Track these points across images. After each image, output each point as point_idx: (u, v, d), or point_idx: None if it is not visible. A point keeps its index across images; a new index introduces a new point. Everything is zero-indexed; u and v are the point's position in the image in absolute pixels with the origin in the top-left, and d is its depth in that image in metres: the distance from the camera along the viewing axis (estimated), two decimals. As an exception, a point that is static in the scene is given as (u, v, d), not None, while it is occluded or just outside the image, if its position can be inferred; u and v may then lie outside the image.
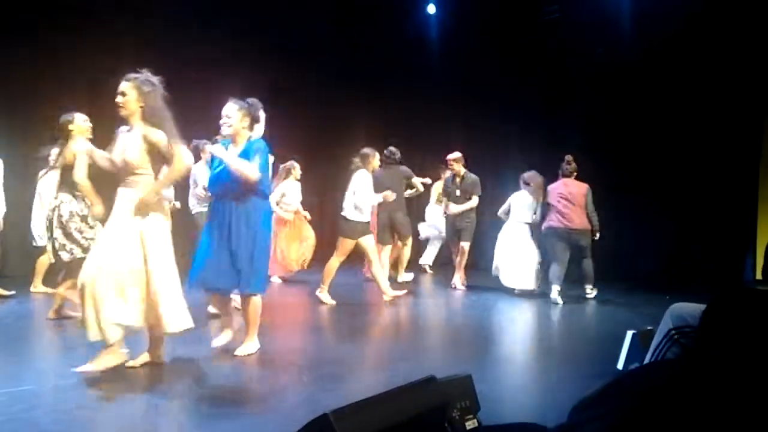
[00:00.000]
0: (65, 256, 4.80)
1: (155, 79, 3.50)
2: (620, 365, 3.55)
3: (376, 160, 6.41)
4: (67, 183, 4.86)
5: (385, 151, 7.05)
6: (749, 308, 2.53)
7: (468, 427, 1.65)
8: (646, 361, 3.12)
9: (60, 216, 4.82)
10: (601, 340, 4.72)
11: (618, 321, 5.35)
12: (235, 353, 3.99)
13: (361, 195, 6.03)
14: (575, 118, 8.45)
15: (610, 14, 7.81)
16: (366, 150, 6.36)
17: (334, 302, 6.06)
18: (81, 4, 7.59)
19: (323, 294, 6.13)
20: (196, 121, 6.43)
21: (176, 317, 3.46)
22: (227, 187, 3.89)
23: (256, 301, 4.07)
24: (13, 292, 5.97)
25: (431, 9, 9.45)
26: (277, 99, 9.18)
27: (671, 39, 7.48)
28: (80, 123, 4.92)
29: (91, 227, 4.90)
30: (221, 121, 3.99)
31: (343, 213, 6.11)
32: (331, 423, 1.30)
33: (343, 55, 10.03)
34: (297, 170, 7.48)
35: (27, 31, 7.14)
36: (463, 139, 8.52)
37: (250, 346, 4.10)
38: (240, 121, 3.95)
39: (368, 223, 6.26)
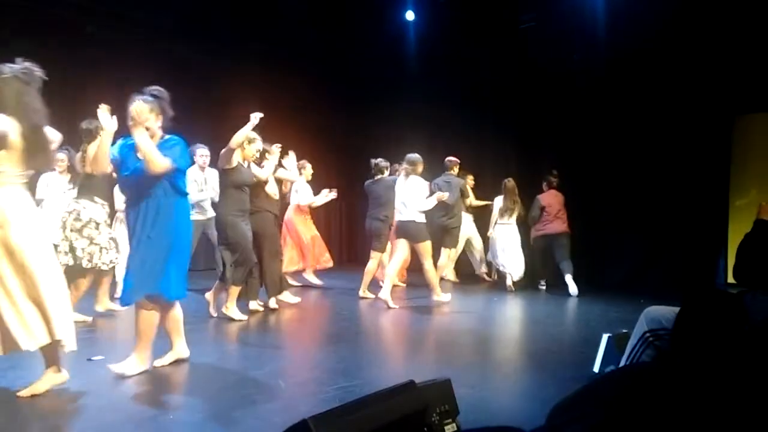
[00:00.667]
0: (65, 260, 4.79)
1: (17, 68, 3.12)
2: (596, 368, 3.59)
3: (421, 166, 6.55)
4: (87, 187, 4.93)
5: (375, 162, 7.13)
6: (721, 310, 2.59)
7: (447, 431, 1.66)
8: (622, 363, 3.17)
9: (78, 220, 4.89)
10: (577, 343, 4.77)
11: (593, 325, 5.42)
12: (114, 369, 3.61)
13: (425, 200, 6.31)
14: (551, 125, 8.57)
15: (586, 22, 7.94)
16: (413, 156, 6.49)
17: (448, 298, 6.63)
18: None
19: (439, 296, 6.54)
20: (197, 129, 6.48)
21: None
22: (141, 186, 3.57)
23: (177, 313, 3.83)
24: None
25: (410, 16, 9.50)
26: (261, 106, 9.19)
27: (643, 47, 7.63)
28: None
29: (100, 233, 4.98)
30: (130, 124, 3.58)
31: (409, 219, 6.32)
32: (310, 429, 1.29)
33: (321, 61, 10.04)
34: (308, 170, 7.44)
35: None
36: (442, 145, 8.57)
37: (130, 364, 3.64)
38: (155, 121, 3.63)
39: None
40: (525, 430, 1.06)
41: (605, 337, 3.61)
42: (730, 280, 7.25)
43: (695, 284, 7.16)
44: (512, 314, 6.46)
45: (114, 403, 3.17)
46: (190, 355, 3.99)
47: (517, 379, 3.91)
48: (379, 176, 6.99)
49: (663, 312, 2.95)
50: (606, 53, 7.92)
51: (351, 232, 11.42)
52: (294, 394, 3.41)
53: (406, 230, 6.36)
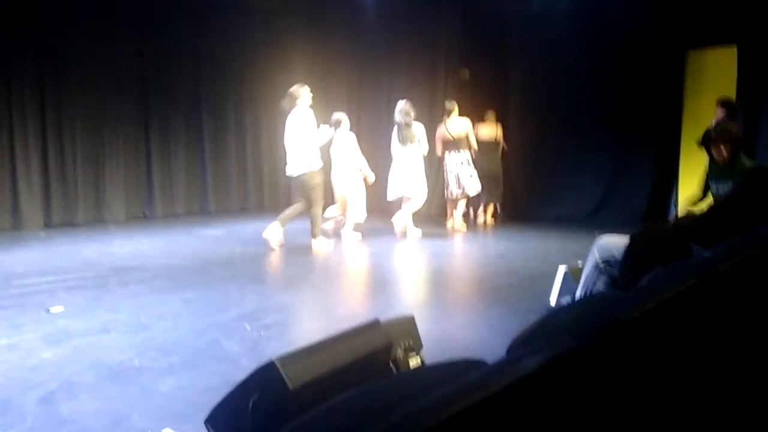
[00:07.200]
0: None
1: None
2: (552, 300, 3.72)
3: None
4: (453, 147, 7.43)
5: None
6: (666, 242, 2.70)
7: (411, 365, 1.71)
8: (578, 293, 3.30)
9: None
10: (537, 277, 4.88)
11: (553, 258, 5.56)
12: None
13: None
14: (506, 62, 8.53)
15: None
16: None
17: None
18: None
19: None
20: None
21: None
22: None
23: None
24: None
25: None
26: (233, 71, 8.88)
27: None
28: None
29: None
30: None
31: None
32: (278, 369, 1.32)
33: (308, 25, 9.75)
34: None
35: None
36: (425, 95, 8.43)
37: None
38: None
39: None
40: (487, 361, 1.10)
41: (561, 268, 3.72)
42: (680, 214, 7.54)
43: (648, 216, 7.40)
44: (473, 250, 6.60)
45: (77, 353, 3.16)
46: (154, 300, 3.97)
47: (478, 313, 4.03)
48: None
49: (613, 241, 3.07)
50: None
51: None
52: (259, 336, 3.45)
53: None
